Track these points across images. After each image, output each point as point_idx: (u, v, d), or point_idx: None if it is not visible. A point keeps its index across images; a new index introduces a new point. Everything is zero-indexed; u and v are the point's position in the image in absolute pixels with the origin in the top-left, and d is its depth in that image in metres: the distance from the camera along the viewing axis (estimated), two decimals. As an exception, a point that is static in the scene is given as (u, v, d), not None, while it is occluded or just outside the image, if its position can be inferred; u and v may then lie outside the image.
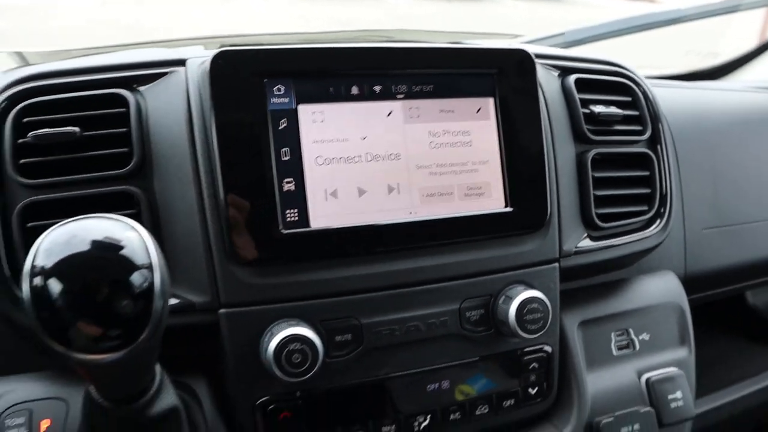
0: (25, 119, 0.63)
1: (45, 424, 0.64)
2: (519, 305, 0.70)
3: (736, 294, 1.16)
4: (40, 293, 0.41)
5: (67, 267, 0.42)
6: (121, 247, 0.43)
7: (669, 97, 0.98)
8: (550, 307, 0.72)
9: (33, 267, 0.42)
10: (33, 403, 0.64)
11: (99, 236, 0.43)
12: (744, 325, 1.32)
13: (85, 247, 0.42)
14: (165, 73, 0.68)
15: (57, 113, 0.64)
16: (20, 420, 0.63)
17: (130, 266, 0.42)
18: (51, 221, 0.60)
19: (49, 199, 0.62)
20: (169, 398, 0.57)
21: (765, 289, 1.37)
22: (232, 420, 0.67)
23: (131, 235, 0.43)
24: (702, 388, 1.08)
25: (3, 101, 0.63)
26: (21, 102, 0.63)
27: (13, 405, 0.64)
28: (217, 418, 0.67)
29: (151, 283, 0.43)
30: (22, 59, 0.94)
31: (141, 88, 0.67)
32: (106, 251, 0.43)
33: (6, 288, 0.61)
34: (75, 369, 0.47)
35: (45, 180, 0.62)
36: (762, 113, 1.11)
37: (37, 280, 0.41)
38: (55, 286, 0.41)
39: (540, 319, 0.71)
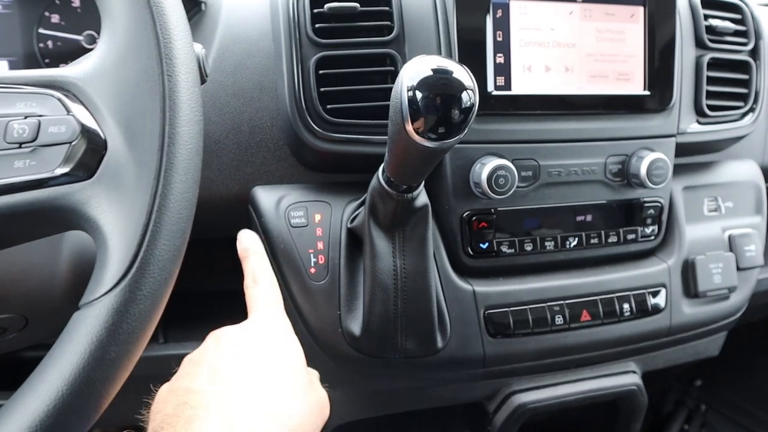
0: (318, -5, 0.88)
1: (318, 216, 0.90)
2: (650, 162, 0.96)
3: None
4: (411, 98, 0.66)
5: (425, 84, 0.66)
6: (453, 73, 0.67)
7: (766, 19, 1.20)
8: (669, 168, 0.97)
9: (407, 86, 0.66)
10: (307, 202, 0.91)
11: (438, 66, 0.67)
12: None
13: (432, 72, 0.66)
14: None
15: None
16: (301, 213, 0.90)
17: (462, 87, 0.66)
18: (335, 70, 0.86)
19: (335, 55, 0.87)
20: (425, 198, 0.83)
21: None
22: (443, 230, 0.94)
23: (459, 67, 0.68)
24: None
25: (302, -19, 0.88)
26: (316, -18, 0.88)
27: (295, 202, 0.90)
28: (434, 227, 0.93)
29: (474, 102, 0.67)
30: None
31: (398, -21, 0.91)
32: (445, 74, 0.67)
33: (304, 120, 0.87)
34: (401, 154, 0.73)
35: (334, 40, 0.87)
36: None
37: (410, 92, 0.65)
38: (418, 94, 0.66)
39: (662, 174, 0.97)
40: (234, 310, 1.12)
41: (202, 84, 0.71)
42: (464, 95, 0.66)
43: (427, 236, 0.84)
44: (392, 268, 0.84)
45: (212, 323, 1.08)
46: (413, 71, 0.66)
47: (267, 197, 0.91)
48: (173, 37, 0.52)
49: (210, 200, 0.92)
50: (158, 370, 1.00)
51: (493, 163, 0.88)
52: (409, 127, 0.67)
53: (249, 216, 0.93)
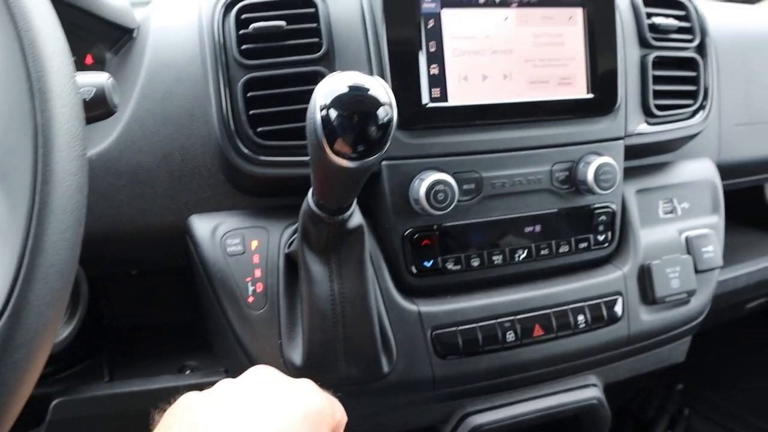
0: (243, 15, 0.85)
1: (255, 243, 0.87)
2: (597, 167, 0.93)
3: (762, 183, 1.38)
4: (325, 118, 0.63)
5: (338, 102, 0.63)
6: (368, 89, 0.64)
7: (714, 15, 1.18)
8: (618, 171, 0.95)
9: (320, 105, 0.63)
10: (244, 229, 0.88)
11: (352, 82, 0.64)
12: (763, 221, 1.54)
13: (346, 89, 0.64)
14: (342, -18, 0.89)
15: (264, 11, 0.85)
16: (237, 240, 0.87)
17: (377, 103, 0.64)
18: (265, 92, 0.83)
19: (263, 76, 0.84)
20: (359, 218, 0.80)
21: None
22: (386, 249, 0.91)
23: (375, 82, 0.65)
24: (726, 263, 1.32)
25: (226, 2, 0.85)
26: (239, 2, 0.85)
27: (231, 230, 0.87)
28: (376, 247, 0.90)
29: (391, 118, 0.64)
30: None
31: (324, -6, 0.88)
32: (359, 91, 0.64)
33: (234, 144, 0.84)
34: (324, 176, 0.70)
35: (261, 61, 0.84)
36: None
37: (324, 111, 0.63)
38: (332, 113, 0.63)
39: (610, 179, 0.94)
40: (182, 343, 1.10)
41: (110, 115, 0.68)
42: (381, 111, 0.63)
43: (363, 258, 0.81)
44: (329, 293, 0.81)
45: (160, 358, 1.06)
46: (327, 89, 0.64)
47: (202, 226, 0.88)
48: (46, 69, 0.49)
49: (146, 231, 0.89)
50: (105, 410, 0.97)
51: (431, 177, 0.85)
52: (327, 148, 0.64)
53: (187, 246, 0.90)
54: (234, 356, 0.89)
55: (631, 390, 1.93)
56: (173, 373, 1.01)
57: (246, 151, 0.84)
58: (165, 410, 0.59)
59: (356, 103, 0.63)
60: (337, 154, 0.65)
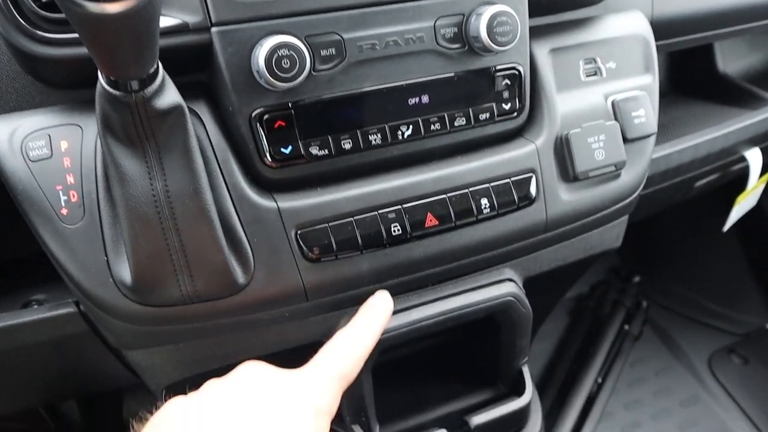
0: None
1: (64, 144, 0.71)
2: (490, 18, 0.75)
3: (703, 44, 1.21)
4: None
5: None
6: None
7: None
8: (518, 21, 0.77)
9: None
10: (51, 129, 0.70)
11: None
12: (715, 91, 1.38)
13: None
14: None
15: None
16: (41, 142, 0.70)
17: None
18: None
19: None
20: (173, 95, 0.62)
21: (734, 56, 1.43)
22: (233, 136, 0.74)
23: None
24: (669, 136, 1.17)
25: None
26: None
27: (33, 131, 0.70)
28: (219, 135, 0.73)
29: None
30: None
31: None
32: None
33: (13, 19, 0.66)
34: (88, 34, 0.53)
35: None
36: None
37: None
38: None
39: (509, 32, 0.77)
40: (34, 275, 0.94)
41: None
42: None
43: (190, 146, 0.65)
44: (150, 192, 0.65)
45: (4, 294, 0.90)
46: None
47: None
48: None
49: None
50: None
51: (270, 42, 0.68)
52: None
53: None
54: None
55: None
56: (16, 309, 0.86)
57: (30, 28, 0.66)
58: (147, 419, 0.59)
59: None
60: None
